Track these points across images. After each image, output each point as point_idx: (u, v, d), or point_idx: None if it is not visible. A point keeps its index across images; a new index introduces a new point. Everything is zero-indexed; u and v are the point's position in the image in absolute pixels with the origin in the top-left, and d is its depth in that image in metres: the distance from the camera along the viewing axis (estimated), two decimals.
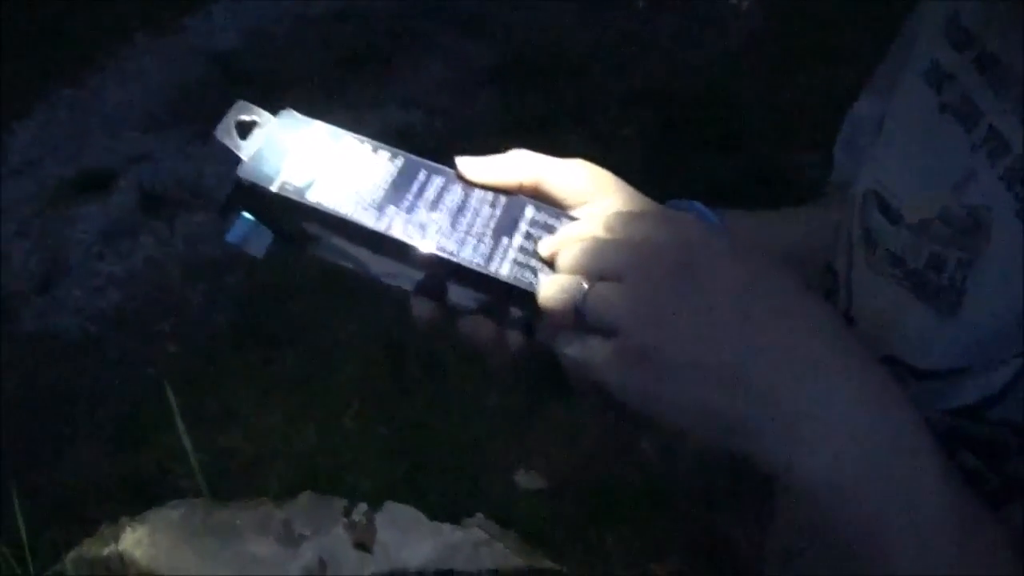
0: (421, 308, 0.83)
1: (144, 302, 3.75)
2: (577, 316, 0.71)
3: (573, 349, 0.71)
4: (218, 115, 0.83)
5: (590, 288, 0.70)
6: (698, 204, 0.91)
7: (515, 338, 0.82)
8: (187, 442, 2.51)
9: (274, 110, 0.85)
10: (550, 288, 0.74)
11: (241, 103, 0.86)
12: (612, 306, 0.69)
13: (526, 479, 3.07)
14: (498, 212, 0.84)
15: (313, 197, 0.80)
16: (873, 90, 0.99)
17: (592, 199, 0.83)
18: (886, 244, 0.76)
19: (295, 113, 0.87)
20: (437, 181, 0.85)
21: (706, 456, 3.11)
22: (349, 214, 0.80)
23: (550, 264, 0.79)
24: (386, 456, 3.12)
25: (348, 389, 3.36)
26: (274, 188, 0.80)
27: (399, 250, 0.80)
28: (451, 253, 0.80)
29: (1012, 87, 0.69)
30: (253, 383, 3.39)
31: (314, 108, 0.87)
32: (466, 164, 0.85)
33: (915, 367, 0.71)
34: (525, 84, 4.78)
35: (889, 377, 0.67)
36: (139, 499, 2.77)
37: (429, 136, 4.33)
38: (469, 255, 0.80)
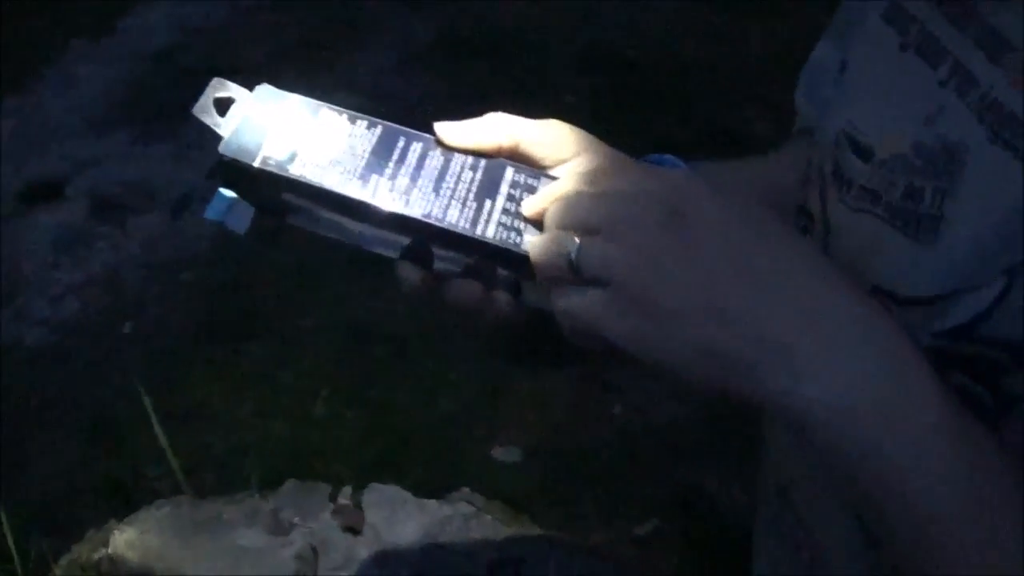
0: (408, 274, 0.84)
1: (104, 307, 3.73)
2: (570, 270, 0.71)
3: (569, 303, 0.72)
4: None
5: (581, 242, 0.71)
6: (669, 157, 0.92)
7: (502, 299, 0.83)
8: (164, 441, 2.51)
9: (230, 98, 0.85)
10: (541, 245, 0.75)
11: (217, 80, 0.86)
12: (605, 257, 0.70)
13: (503, 453, 3.08)
14: (479, 175, 0.84)
15: (295, 170, 0.81)
16: (831, 36, 1.00)
17: (569, 157, 0.84)
18: (861, 181, 0.77)
19: (271, 87, 0.87)
20: (417, 147, 0.85)
21: (677, 414, 3.14)
22: (332, 185, 0.81)
23: (535, 224, 0.80)
24: (360, 440, 3.13)
25: (316, 377, 3.36)
26: (256, 163, 0.81)
27: (384, 218, 0.81)
28: (436, 218, 0.81)
29: (971, 21, 0.71)
30: (220, 378, 3.39)
31: None
32: (444, 129, 0.85)
33: (898, 295, 0.72)
34: (469, 58, 4.78)
35: (876, 303, 0.68)
36: (118, 503, 2.78)
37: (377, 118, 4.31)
38: (454, 219, 0.81)
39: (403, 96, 4.51)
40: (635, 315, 0.68)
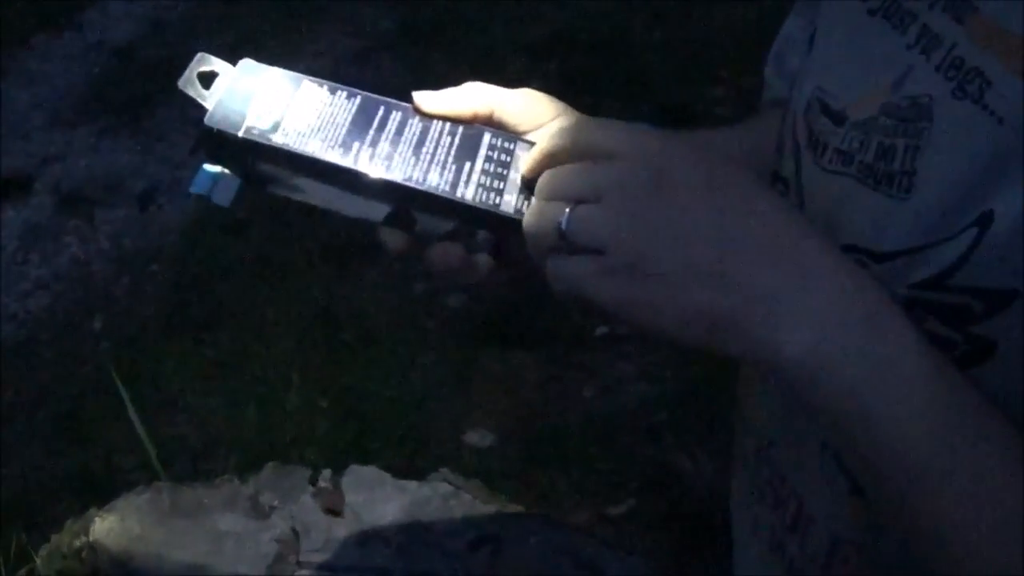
0: (391, 239, 0.87)
1: (73, 301, 3.73)
2: (561, 239, 0.73)
3: (561, 270, 0.74)
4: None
5: (571, 211, 0.73)
6: (643, 126, 0.94)
7: (483, 260, 0.86)
8: (141, 430, 2.52)
9: (213, 71, 0.87)
10: (533, 216, 0.77)
11: (201, 55, 0.88)
12: (595, 225, 0.72)
13: (474, 437, 3.10)
14: (457, 140, 0.87)
15: (279, 139, 0.83)
16: (800, 10, 1.02)
17: (545, 122, 0.88)
18: (834, 144, 0.79)
19: (253, 62, 0.89)
20: (396, 116, 0.88)
21: (648, 393, 3.16)
22: (315, 152, 0.83)
23: (514, 186, 0.84)
24: (332, 428, 3.14)
25: (286, 365, 3.37)
26: (240, 133, 0.83)
27: (367, 184, 0.83)
28: (417, 182, 0.83)
29: None
30: (190, 369, 3.39)
31: None
32: (422, 97, 0.88)
33: (874, 251, 0.74)
34: (427, 44, 4.77)
35: (850, 260, 0.71)
36: (92, 494, 2.78)
37: None
38: (435, 182, 0.83)
39: (364, 85, 4.48)
40: (626, 280, 0.71)
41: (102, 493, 2.53)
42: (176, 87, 0.86)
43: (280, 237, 3.73)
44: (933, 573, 0.70)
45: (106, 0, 5.21)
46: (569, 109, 0.91)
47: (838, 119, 0.80)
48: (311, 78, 0.89)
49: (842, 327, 0.68)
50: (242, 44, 4.69)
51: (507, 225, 0.82)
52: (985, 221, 0.66)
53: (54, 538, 2.16)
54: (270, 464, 2.18)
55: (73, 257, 3.91)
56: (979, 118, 0.67)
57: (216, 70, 0.88)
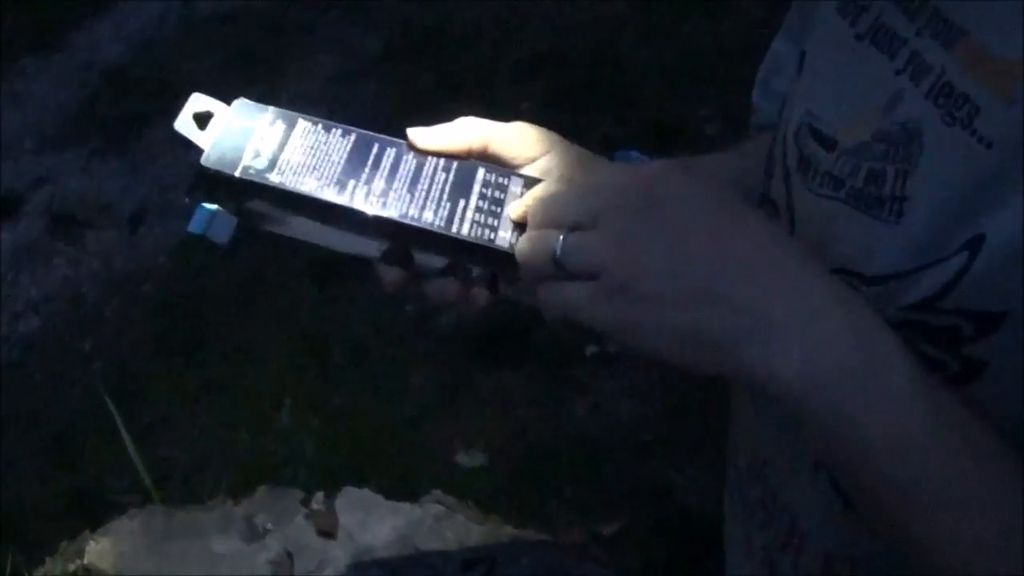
0: (388, 275, 0.87)
1: (64, 323, 3.73)
2: (556, 266, 0.74)
3: (556, 297, 0.75)
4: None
5: (565, 238, 0.74)
6: (635, 153, 0.95)
7: (480, 295, 0.87)
8: (134, 452, 2.52)
9: (173, 115, 0.87)
10: (527, 244, 0.78)
11: (196, 96, 0.89)
12: (589, 251, 0.73)
13: (466, 457, 3.10)
14: (451, 176, 0.88)
15: (276, 178, 0.84)
16: (786, 33, 1.03)
17: (538, 156, 0.89)
18: (824, 168, 0.80)
19: (247, 101, 0.90)
20: (390, 152, 0.88)
21: (639, 411, 3.16)
22: (311, 190, 0.84)
23: (510, 221, 0.84)
24: (323, 447, 3.14)
25: (276, 386, 3.37)
26: (237, 173, 0.84)
27: (363, 221, 0.84)
28: (413, 218, 0.84)
29: (922, 9, 0.74)
30: (181, 390, 3.39)
31: None
32: (416, 134, 0.89)
33: (864, 274, 0.75)
34: (415, 64, 4.77)
35: (840, 282, 0.72)
36: (85, 516, 2.78)
37: None
38: (430, 219, 0.84)
39: (354, 105, 4.51)
40: (620, 303, 0.71)
41: (95, 515, 2.54)
42: (166, 108, 0.88)
43: (270, 258, 3.73)
44: None
45: (95, 21, 5.21)
46: (562, 141, 0.91)
47: (829, 145, 0.80)
48: (306, 116, 0.90)
49: (833, 346, 0.68)
50: (230, 66, 4.70)
51: (503, 259, 0.83)
52: (975, 245, 0.67)
53: (48, 561, 2.16)
54: (263, 486, 2.18)
55: (64, 278, 3.90)
56: (968, 144, 0.68)
57: (211, 110, 0.88)
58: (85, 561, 2.04)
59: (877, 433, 0.68)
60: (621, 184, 0.75)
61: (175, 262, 3.90)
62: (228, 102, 0.90)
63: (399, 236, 0.85)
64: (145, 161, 4.32)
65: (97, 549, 2.06)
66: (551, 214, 0.77)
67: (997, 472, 0.68)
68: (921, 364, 0.69)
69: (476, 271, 0.86)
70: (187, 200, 0.86)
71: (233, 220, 0.87)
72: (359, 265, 0.89)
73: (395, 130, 0.91)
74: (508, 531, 2.09)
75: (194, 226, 0.86)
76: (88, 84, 4.84)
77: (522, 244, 0.79)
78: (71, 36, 5.13)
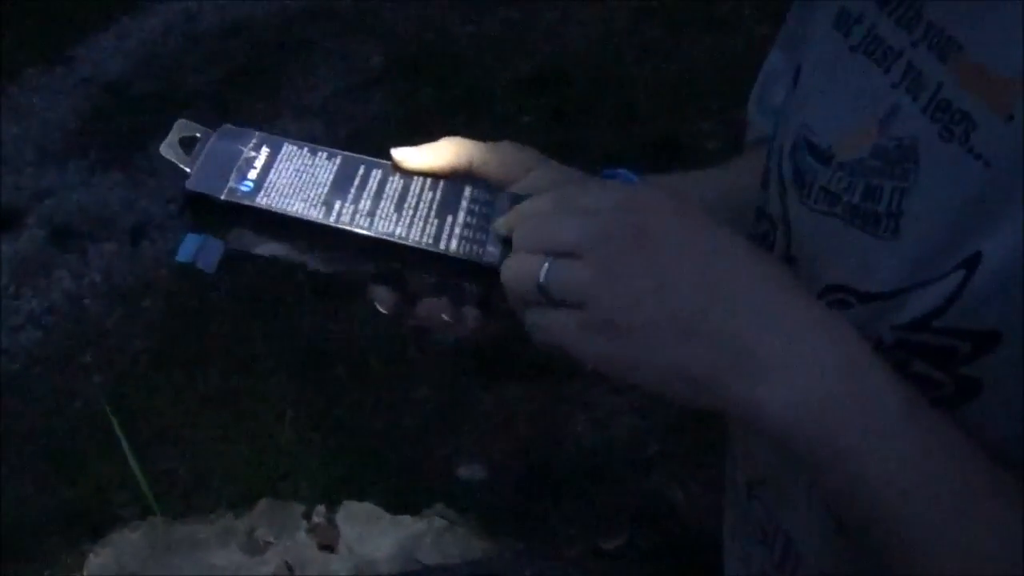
0: (380, 296, 0.87)
1: (65, 336, 3.73)
2: (541, 292, 0.73)
3: (540, 323, 0.75)
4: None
5: (551, 265, 0.73)
6: (623, 171, 0.94)
7: (471, 313, 0.86)
8: (135, 465, 2.52)
9: (194, 136, 0.88)
10: (512, 268, 0.77)
11: (182, 121, 0.88)
12: (575, 280, 0.72)
13: (468, 471, 3.10)
14: (438, 195, 0.87)
15: (262, 200, 0.83)
16: (781, 46, 1.03)
17: (521, 176, 0.88)
18: (820, 183, 0.79)
19: (232, 126, 0.89)
20: (376, 173, 0.88)
21: (639, 427, 3.16)
22: (298, 212, 0.83)
23: (498, 237, 0.83)
24: (324, 463, 3.13)
25: (277, 399, 3.37)
26: (223, 196, 0.83)
27: (351, 241, 0.83)
28: (400, 236, 0.83)
29: (917, 22, 0.74)
30: (182, 403, 3.39)
31: (211, 126, 0.90)
32: (400, 154, 0.88)
33: (860, 291, 0.74)
34: (416, 80, 4.78)
35: (829, 310, 0.72)
36: (85, 528, 2.78)
37: (329, 142, 4.30)
38: (418, 236, 0.83)
39: (355, 120, 4.51)
40: (605, 336, 0.71)
41: (96, 528, 2.54)
42: (168, 122, 0.87)
43: (270, 272, 3.73)
44: None
45: (97, 35, 5.21)
46: (547, 161, 0.91)
47: (824, 159, 0.80)
48: (291, 140, 0.90)
49: (822, 379, 0.68)
50: (231, 80, 4.71)
51: (492, 276, 0.82)
52: (972, 263, 0.67)
53: (48, 574, 2.16)
54: (264, 499, 2.18)
55: (65, 292, 3.90)
56: (965, 161, 0.68)
57: (197, 135, 0.88)
58: (85, 573, 2.04)
59: (869, 465, 0.68)
60: (609, 211, 0.74)
61: (176, 275, 3.90)
62: (228, 117, 0.90)
63: (388, 256, 0.85)
64: (147, 175, 4.33)
65: (98, 562, 2.06)
66: (536, 237, 0.76)
67: (990, 495, 0.68)
68: (913, 391, 0.69)
69: (467, 289, 0.86)
70: (179, 220, 0.86)
71: (221, 246, 0.86)
72: (360, 280, 0.89)
73: (396, 144, 0.90)
74: (510, 545, 2.09)
75: (182, 255, 0.86)
76: (90, 97, 4.85)
77: (506, 268, 0.78)
78: (73, 50, 5.14)
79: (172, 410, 3.37)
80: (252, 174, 0.85)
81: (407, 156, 0.89)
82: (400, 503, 2.34)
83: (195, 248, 0.86)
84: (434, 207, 0.86)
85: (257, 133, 0.90)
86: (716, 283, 0.71)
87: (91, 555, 2.07)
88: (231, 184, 0.84)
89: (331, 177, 0.87)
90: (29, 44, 5.13)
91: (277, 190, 0.84)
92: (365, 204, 0.85)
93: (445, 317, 0.86)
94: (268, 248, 0.87)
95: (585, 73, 4.68)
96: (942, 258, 0.69)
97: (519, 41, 4.99)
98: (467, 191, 0.88)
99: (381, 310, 0.87)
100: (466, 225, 0.85)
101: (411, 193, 0.87)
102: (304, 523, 2.10)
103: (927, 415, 0.69)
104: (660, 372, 0.70)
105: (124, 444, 2.56)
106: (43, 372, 3.58)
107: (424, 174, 0.89)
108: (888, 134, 0.74)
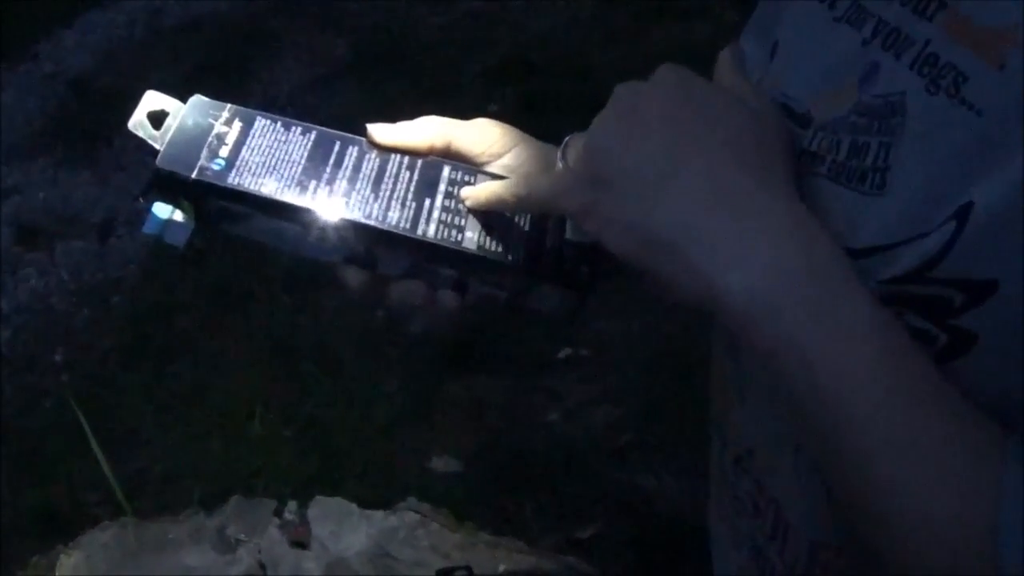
0: (352, 278, 0.86)
1: (33, 335, 3.70)
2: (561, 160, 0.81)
3: (534, 184, 0.80)
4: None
5: (568, 139, 0.82)
6: None
7: (446, 296, 0.85)
8: (105, 464, 2.50)
9: (163, 110, 0.86)
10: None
11: (151, 93, 0.86)
12: (576, 147, 0.79)
13: (441, 463, 3.09)
14: (416, 176, 0.86)
15: (234, 180, 0.82)
16: (754, 30, 1.02)
17: (502, 152, 0.89)
18: (801, 147, 0.79)
19: (203, 98, 0.88)
20: (352, 151, 0.87)
21: (613, 416, 3.16)
22: (271, 192, 0.82)
23: (475, 220, 0.84)
24: (296, 457, 3.13)
25: (248, 395, 3.35)
26: (194, 175, 0.82)
27: (325, 223, 0.82)
28: (377, 220, 0.82)
29: None
30: (152, 401, 3.37)
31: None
32: (377, 130, 0.88)
33: (850, 248, 0.73)
34: (384, 71, 4.77)
35: (809, 215, 0.73)
36: (56, 529, 2.76)
37: None
38: (395, 220, 0.82)
39: (323, 112, 4.50)
40: (588, 191, 0.75)
41: (66, 528, 2.52)
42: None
43: (239, 266, 3.71)
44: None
45: (60, 31, 5.17)
46: (526, 137, 0.91)
47: (803, 122, 0.80)
48: (264, 114, 0.88)
49: (784, 274, 0.69)
50: (197, 74, 4.68)
51: (470, 261, 0.82)
52: (964, 213, 0.66)
53: (20, 575, 2.14)
54: (235, 496, 2.16)
55: (32, 290, 3.88)
56: (954, 112, 0.68)
57: (166, 108, 0.86)
58: (58, 574, 2.02)
59: (825, 366, 0.68)
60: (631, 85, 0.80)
61: (144, 272, 3.88)
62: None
63: (363, 238, 0.83)
64: (113, 170, 4.30)
65: (69, 563, 2.04)
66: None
67: (955, 426, 0.67)
68: (882, 306, 0.69)
69: (443, 272, 0.84)
70: (140, 200, 0.84)
71: (191, 222, 0.84)
72: (329, 273, 0.87)
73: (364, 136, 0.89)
74: (484, 537, 2.08)
75: (148, 227, 0.84)
76: (54, 94, 4.81)
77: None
78: (36, 46, 5.09)
79: (142, 408, 3.34)
80: (224, 151, 0.84)
81: (383, 132, 0.88)
82: (373, 497, 2.33)
83: (162, 221, 0.84)
84: (412, 189, 0.85)
85: (229, 106, 0.88)
86: (690, 158, 0.73)
87: (62, 556, 2.04)
88: (202, 162, 0.83)
89: (305, 154, 0.86)
90: None
91: (249, 169, 0.83)
92: (340, 184, 0.84)
93: (419, 301, 0.85)
94: (240, 227, 0.85)
95: (553, 62, 4.67)
96: (932, 211, 0.68)
97: (487, 31, 4.98)
98: (446, 172, 0.88)
99: (351, 291, 0.86)
100: (444, 209, 0.84)
101: (388, 174, 0.86)
102: (276, 520, 2.07)
103: (894, 332, 0.69)
104: (626, 230, 0.74)
105: (94, 443, 2.54)
106: (11, 371, 3.56)
107: (400, 151, 0.88)
108: (871, 92, 0.74)
